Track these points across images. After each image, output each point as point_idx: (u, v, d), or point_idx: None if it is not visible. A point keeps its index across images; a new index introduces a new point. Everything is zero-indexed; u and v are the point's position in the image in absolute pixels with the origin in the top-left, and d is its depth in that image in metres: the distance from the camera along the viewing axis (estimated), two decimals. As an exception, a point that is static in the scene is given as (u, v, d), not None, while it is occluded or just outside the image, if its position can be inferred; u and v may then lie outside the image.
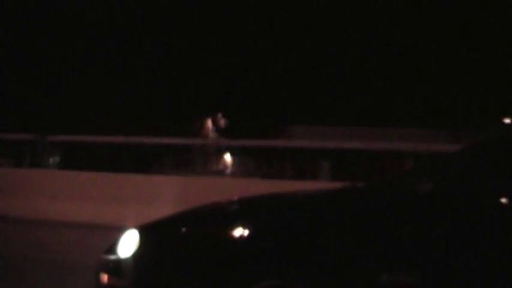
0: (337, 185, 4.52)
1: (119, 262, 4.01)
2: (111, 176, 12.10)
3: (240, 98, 18.07)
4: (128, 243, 4.02)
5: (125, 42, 20.66)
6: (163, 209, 6.29)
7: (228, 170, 13.58)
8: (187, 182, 11.17)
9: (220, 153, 15.40)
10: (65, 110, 22.99)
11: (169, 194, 10.26)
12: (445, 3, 18.54)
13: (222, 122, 18.17)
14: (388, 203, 4.03)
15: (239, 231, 3.93)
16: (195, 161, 15.11)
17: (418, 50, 18.90)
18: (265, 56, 17.96)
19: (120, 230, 4.20)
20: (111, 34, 21.00)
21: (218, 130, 18.35)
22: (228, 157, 13.94)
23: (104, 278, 4.04)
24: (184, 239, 4.03)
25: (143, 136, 15.66)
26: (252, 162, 13.39)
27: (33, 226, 10.40)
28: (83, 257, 6.85)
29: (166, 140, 15.41)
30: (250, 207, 4.26)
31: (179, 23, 19.81)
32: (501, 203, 3.90)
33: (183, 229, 4.09)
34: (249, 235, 3.90)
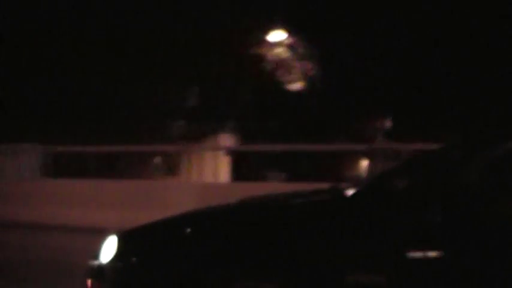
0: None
1: (100, 267, 4.20)
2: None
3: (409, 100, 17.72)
4: (108, 249, 4.21)
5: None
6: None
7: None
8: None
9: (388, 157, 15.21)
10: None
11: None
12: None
13: (388, 124, 17.99)
14: (358, 203, 3.97)
15: (214, 235, 4.01)
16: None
17: None
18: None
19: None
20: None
21: (384, 133, 18.19)
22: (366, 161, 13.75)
23: (88, 282, 4.25)
24: (160, 244, 4.14)
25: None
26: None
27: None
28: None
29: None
30: (229, 211, 4.31)
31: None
32: (474, 201, 3.75)
33: (160, 235, 4.22)
34: (224, 238, 3.97)
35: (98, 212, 12.05)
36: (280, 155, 19.75)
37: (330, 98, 20.50)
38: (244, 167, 20.56)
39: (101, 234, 4.47)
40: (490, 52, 16.67)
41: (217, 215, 4.32)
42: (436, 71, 16.96)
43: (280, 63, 22.02)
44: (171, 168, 21.54)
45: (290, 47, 21.95)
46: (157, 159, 23.18)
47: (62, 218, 12.20)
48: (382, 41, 18.05)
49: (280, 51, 22.01)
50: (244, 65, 21.09)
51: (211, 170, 17.17)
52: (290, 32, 21.56)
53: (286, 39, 21.66)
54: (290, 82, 22.16)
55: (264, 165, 22.48)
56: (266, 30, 21.56)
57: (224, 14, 20.03)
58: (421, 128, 16.51)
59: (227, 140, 22.65)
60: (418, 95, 17.33)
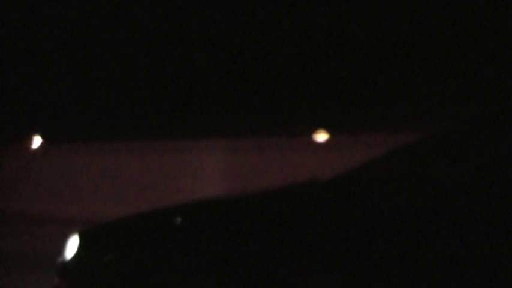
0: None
1: (64, 265, 4.14)
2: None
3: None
4: (71, 247, 4.12)
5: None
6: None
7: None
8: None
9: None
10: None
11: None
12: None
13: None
14: (320, 201, 3.70)
15: (165, 237, 3.87)
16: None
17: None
18: None
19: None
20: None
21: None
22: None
23: (56, 280, 4.20)
24: (122, 242, 4.01)
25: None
26: None
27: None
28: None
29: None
30: (186, 212, 4.11)
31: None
32: (451, 199, 3.48)
33: (122, 232, 4.09)
34: (174, 241, 3.82)
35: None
36: None
37: None
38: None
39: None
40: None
41: (184, 213, 4.09)
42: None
43: None
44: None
45: None
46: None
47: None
48: None
49: None
50: None
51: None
52: None
53: None
54: None
55: None
56: None
57: None
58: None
59: None
60: None
